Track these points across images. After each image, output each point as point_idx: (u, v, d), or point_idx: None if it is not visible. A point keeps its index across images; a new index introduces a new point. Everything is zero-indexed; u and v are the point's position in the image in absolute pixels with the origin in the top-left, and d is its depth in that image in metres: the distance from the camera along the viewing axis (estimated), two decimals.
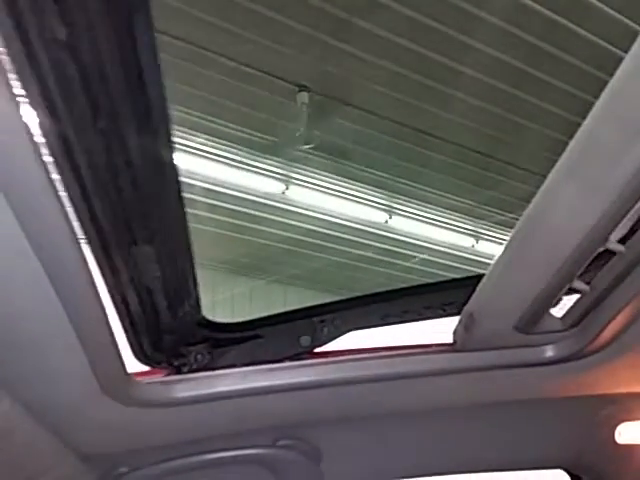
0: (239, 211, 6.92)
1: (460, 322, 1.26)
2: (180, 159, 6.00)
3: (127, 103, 0.79)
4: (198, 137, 5.88)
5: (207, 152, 6.05)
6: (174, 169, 0.91)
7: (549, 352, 1.28)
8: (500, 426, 1.55)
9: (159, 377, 1.21)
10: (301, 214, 7.18)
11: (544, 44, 5.05)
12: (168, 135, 0.86)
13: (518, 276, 1.12)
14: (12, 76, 0.64)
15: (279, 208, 7.04)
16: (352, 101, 5.70)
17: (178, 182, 0.94)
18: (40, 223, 0.74)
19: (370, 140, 6.20)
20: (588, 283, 1.13)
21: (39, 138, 0.70)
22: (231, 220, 7.10)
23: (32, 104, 0.74)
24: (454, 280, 1.46)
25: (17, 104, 0.64)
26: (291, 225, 7.33)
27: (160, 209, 0.98)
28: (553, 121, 5.69)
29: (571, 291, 1.14)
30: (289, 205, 7.02)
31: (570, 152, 0.90)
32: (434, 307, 1.38)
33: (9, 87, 0.63)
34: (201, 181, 6.32)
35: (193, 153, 5.98)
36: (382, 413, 1.44)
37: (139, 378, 1.15)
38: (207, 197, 6.58)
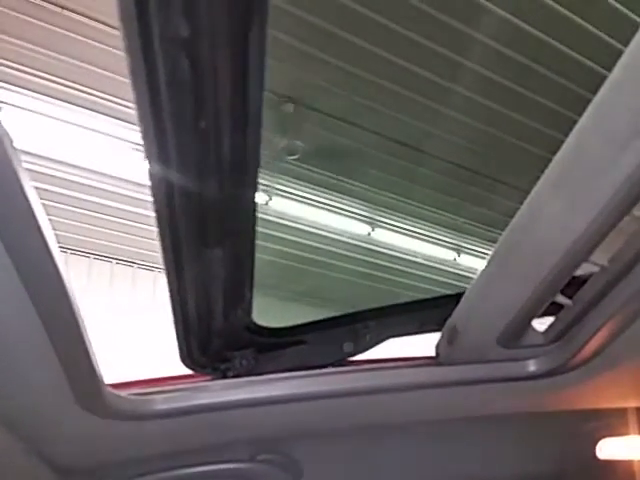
0: None
1: (443, 335, 1.25)
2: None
3: (228, 108, 0.85)
4: None
5: None
6: (255, 174, 0.97)
7: (531, 367, 1.27)
8: (481, 440, 1.55)
9: (136, 389, 1.19)
10: (283, 225, 7.16)
11: (532, 63, 5.11)
12: (257, 144, 0.93)
13: (501, 289, 1.12)
14: None
15: (261, 219, 7.01)
16: (337, 113, 5.70)
17: (255, 187, 0.99)
18: (17, 235, 0.73)
19: (355, 153, 6.20)
20: (570, 297, 1.13)
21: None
22: None
23: (136, 91, 0.79)
24: None
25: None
26: (272, 236, 7.30)
27: (237, 212, 1.03)
28: (538, 138, 5.74)
29: (554, 305, 1.14)
30: (271, 216, 7.00)
31: (555, 166, 0.90)
32: None
33: None
34: None
35: None
36: (363, 426, 1.43)
37: (115, 390, 1.13)
38: None
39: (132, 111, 0.82)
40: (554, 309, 1.16)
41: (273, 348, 1.35)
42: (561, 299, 1.12)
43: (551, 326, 1.22)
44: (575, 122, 0.87)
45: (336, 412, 1.36)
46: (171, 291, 1.12)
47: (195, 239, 1.04)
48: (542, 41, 4.91)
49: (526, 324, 1.18)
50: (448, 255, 8.12)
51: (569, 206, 0.94)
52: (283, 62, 5.07)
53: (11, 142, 0.65)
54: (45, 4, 4.68)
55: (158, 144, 0.85)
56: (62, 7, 4.71)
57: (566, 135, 0.88)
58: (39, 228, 0.74)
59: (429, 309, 1.45)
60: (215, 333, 1.25)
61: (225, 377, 1.29)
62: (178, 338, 1.23)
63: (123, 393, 1.14)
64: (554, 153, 0.91)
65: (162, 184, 0.91)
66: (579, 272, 1.05)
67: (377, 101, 5.59)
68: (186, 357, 1.27)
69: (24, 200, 0.70)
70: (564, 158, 0.89)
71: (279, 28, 4.71)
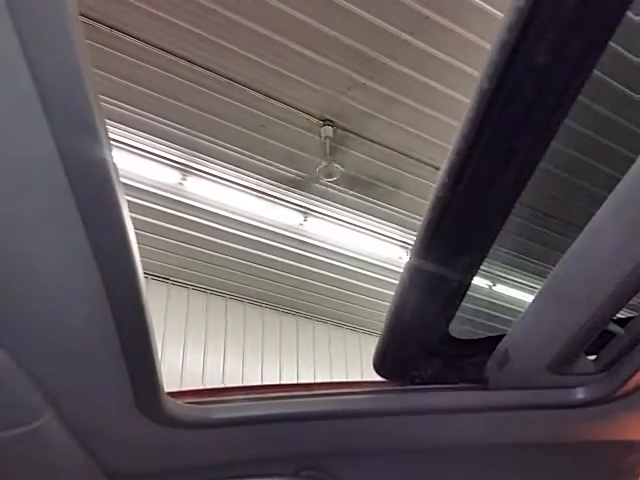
0: (257, 241, 6.95)
1: (493, 359, 1.26)
2: (205, 188, 6.06)
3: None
4: (222, 166, 5.95)
5: (230, 181, 6.10)
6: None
7: (579, 394, 1.27)
8: (522, 468, 1.54)
9: (194, 398, 1.22)
10: (317, 246, 7.19)
11: (613, 115, 5.13)
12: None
13: (554, 315, 1.13)
14: None
15: (296, 240, 7.06)
16: (376, 138, 5.75)
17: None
18: (108, 250, 0.78)
19: (392, 176, 6.24)
20: (623, 326, 1.14)
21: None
22: (250, 250, 7.12)
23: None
24: None
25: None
26: (306, 257, 7.33)
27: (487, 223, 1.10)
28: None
29: (606, 334, 1.14)
30: (306, 237, 7.04)
31: (616, 194, 0.91)
32: None
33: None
34: (226, 210, 6.39)
35: (216, 182, 6.05)
36: (408, 448, 1.44)
37: (174, 398, 1.16)
38: (229, 226, 6.63)
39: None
40: (606, 338, 1.17)
41: (456, 358, 1.39)
42: (613, 328, 1.13)
43: (602, 354, 1.22)
44: None
45: (382, 432, 1.37)
46: (397, 301, 1.20)
47: (439, 256, 1.11)
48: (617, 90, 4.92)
49: (577, 352, 1.18)
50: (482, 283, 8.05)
51: (627, 235, 0.95)
52: (324, 85, 5.14)
53: (117, 174, 0.71)
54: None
55: None
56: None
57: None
58: (129, 248, 0.80)
59: None
60: (414, 342, 1.30)
61: (413, 383, 1.35)
62: (381, 345, 1.30)
63: (181, 401, 1.17)
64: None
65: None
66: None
67: (420, 129, 5.62)
68: (379, 364, 1.34)
69: (120, 225, 0.77)
70: (626, 187, 0.90)
71: (318, 50, 4.78)
